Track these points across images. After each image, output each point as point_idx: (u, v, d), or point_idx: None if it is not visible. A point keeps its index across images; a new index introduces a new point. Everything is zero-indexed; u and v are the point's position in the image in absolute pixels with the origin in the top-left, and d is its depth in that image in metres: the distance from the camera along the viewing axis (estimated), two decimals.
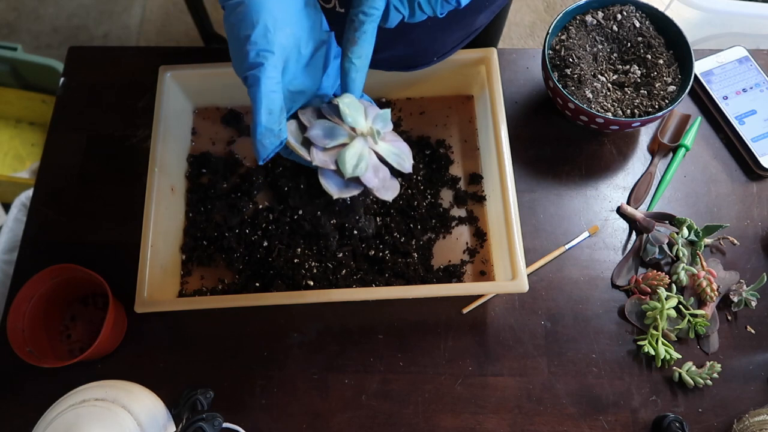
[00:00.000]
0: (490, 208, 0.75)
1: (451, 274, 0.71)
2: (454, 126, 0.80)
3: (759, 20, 1.24)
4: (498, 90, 0.72)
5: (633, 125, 0.73)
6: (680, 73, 0.75)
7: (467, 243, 0.74)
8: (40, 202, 0.78)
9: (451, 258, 0.73)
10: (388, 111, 0.53)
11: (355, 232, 0.72)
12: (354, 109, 0.49)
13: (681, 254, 0.73)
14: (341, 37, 0.49)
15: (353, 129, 0.50)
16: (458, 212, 0.75)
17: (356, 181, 0.50)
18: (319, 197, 0.53)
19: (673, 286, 0.72)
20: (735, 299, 0.71)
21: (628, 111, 0.74)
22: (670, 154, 0.80)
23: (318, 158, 0.48)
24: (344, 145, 0.49)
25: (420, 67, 0.74)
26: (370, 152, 0.50)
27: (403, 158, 0.53)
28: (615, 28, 0.77)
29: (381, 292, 0.66)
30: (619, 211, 0.77)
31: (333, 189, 0.49)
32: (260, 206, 0.75)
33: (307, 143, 0.49)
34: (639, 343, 0.70)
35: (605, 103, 0.74)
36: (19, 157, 1.53)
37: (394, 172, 0.54)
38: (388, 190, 0.52)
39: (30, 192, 1.04)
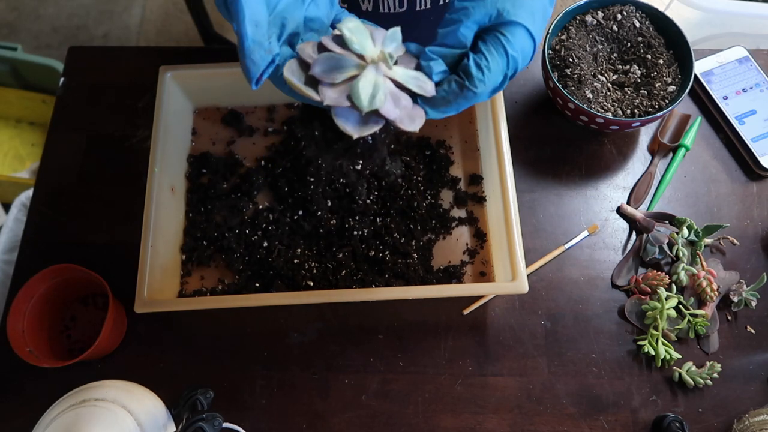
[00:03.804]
0: (490, 208, 0.74)
1: (451, 274, 0.71)
2: (454, 127, 0.80)
3: (759, 20, 1.24)
4: None
5: (633, 125, 0.73)
6: (680, 73, 0.75)
7: (467, 244, 0.74)
8: (40, 202, 0.78)
9: (451, 259, 0.73)
10: (397, 29, 0.47)
11: (380, 180, 0.67)
12: (359, 34, 0.44)
13: (681, 254, 0.73)
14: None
15: (361, 57, 0.44)
16: (458, 213, 0.75)
17: (376, 114, 0.44)
18: (336, 141, 0.47)
19: (673, 286, 0.72)
20: (735, 299, 0.71)
21: (628, 111, 0.74)
22: (670, 154, 0.80)
23: (328, 96, 0.43)
24: (355, 77, 0.43)
25: None
26: (385, 80, 0.45)
27: (423, 80, 0.47)
28: (615, 28, 0.77)
29: (381, 292, 0.66)
30: (619, 211, 0.77)
31: (351, 128, 0.43)
32: (260, 206, 0.75)
33: (313, 82, 0.43)
34: (639, 343, 0.70)
35: (605, 103, 0.74)
36: (19, 157, 1.53)
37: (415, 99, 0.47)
38: (413, 119, 0.46)
39: (30, 192, 1.04)
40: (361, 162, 0.49)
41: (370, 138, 0.48)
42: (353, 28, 0.44)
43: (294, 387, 0.69)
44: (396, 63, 0.46)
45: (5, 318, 0.66)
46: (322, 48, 0.44)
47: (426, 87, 0.46)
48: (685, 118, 0.81)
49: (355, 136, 0.43)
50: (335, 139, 0.47)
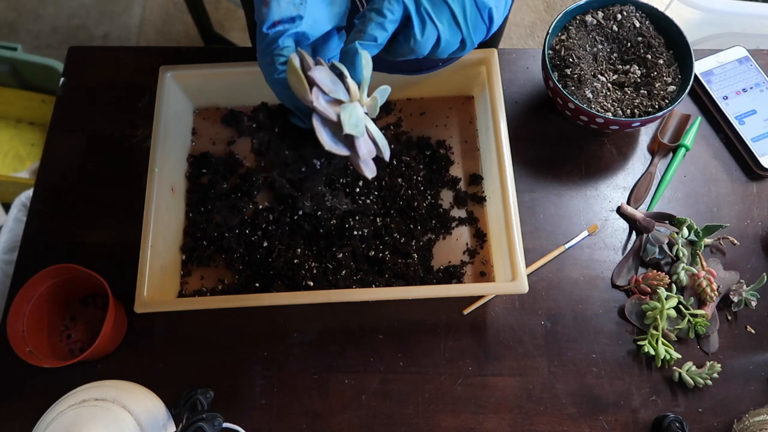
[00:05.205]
0: (490, 208, 0.75)
1: (451, 274, 0.71)
2: (454, 127, 0.80)
3: (759, 20, 1.24)
4: (498, 91, 0.72)
5: (633, 125, 0.73)
6: (680, 73, 0.75)
7: (467, 244, 0.74)
8: (40, 202, 0.78)
9: (451, 259, 0.73)
10: (388, 88, 0.51)
11: (321, 212, 0.71)
12: (369, 69, 0.47)
13: (681, 254, 0.73)
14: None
15: (349, 93, 0.48)
16: (458, 213, 0.75)
17: (348, 141, 0.48)
18: (289, 150, 0.50)
19: (673, 286, 0.72)
20: (735, 299, 0.71)
21: (628, 111, 0.74)
22: (670, 154, 0.80)
23: (321, 103, 0.45)
24: (341, 103, 0.47)
25: (425, 72, 0.74)
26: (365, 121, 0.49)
27: (386, 144, 0.51)
28: (615, 28, 0.77)
29: (381, 292, 0.66)
30: (619, 211, 0.77)
31: (327, 139, 0.47)
32: (260, 206, 0.75)
33: (308, 84, 0.46)
34: (639, 343, 0.70)
35: (605, 103, 0.74)
36: (19, 157, 1.53)
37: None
38: (370, 166, 0.50)
39: (30, 192, 1.04)
40: (300, 180, 0.52)
41: (318, 163, 0.51)
42: (366, 62, 0.47)
43: (294, 387, 0.69)
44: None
45: (5, 318, 0.66)
46: (319, 64, 0.47)
47: (385, 151, 0.51)
48: (685, 118, 0.81)
49: (327, 148, 0.46)
50: (289, 147, 0.50)
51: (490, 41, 0.91)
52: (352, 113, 0.46)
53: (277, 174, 0.55)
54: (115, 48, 0.89)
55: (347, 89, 0.47)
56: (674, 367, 0.69)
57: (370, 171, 0.50)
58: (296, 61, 0.46)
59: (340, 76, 0.47)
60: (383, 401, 0.69)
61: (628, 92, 0.75)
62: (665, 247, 0.73)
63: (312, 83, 0.45)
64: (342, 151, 0.48)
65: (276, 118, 0.51)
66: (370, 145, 0.50)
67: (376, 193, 0.74)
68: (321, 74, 0.46)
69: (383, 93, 0.51)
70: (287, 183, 0.62)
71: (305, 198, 0.64)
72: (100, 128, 0.82)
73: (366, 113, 0.49)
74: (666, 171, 0.79)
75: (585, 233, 0.75)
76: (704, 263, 0.72)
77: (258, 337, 0.71)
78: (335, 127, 0.47)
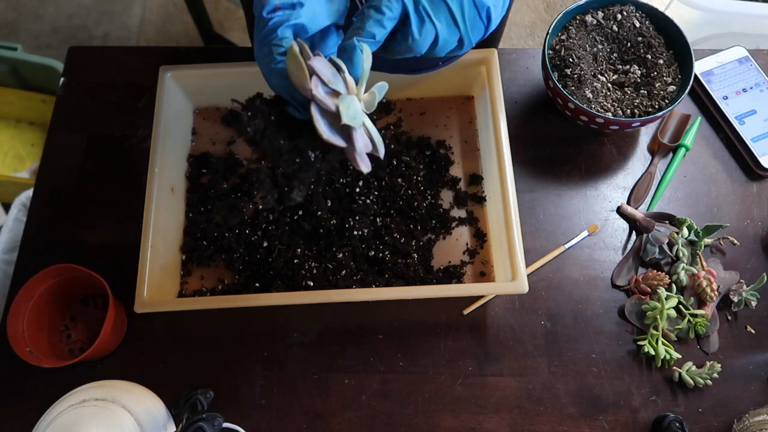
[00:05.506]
0: (490, 209, 0.75)
1: (451, 274, 0.71)
2: (454, 127, 0.80)
3: (759, 20, 1.24)
4: (498, 91, 0.72)
5: (633, 125, 0.73)
6: (680, 73, 0.75)
7: (467, 244, 0.74)
8: (40, 202, 0.78)
9: (451, 259, 0.73)
10: (385, 84, 0.51)
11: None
12: (369, 62, 0.48)
13: (681, 254, 0.73)
14: None
15: (347, 88, 0.48)
16: (458, 213, 0.75)
17: (345, 133, 0.48)
18: (284, 139, 0.50)
19: (673, 286, 0.72)
20: (735, 299, 0.71)
21: (628, 111, 0.74)
22: (670, 154, 0.80)
23: (320, 92, 0.46)
24: (339, 95, 0.47)
25: (425, 71, 0.74)
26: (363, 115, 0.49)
27: (381, 142, 0.52)
28: (615, 28, 0.77)
29: (381, 292, 0.66)
30: (619, 211, 0.77)
31: (324, 129, 0.47)
32: (260, 206, 0.75)
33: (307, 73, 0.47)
34: (639, 343, 0.70)
35: (605, 103, 0.74)
36: (19, 157, 1.53)
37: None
38: (365, 161, 0.50)
39: (30, 192, 1.04)
40: (290, 171, 0.52)
41: (312, 156, 0.51)
42: (366, 56, 0.47)
43: (294, 387, 0.69)
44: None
45: (5, 318, 0.66)
46: (318, 56, 0.47)
47: (379, 149, 0.51)
48: (685, 118, 0.81)
49: (324, 136, 0.46)
50: (285, 137, 0.49)
51: (490, 41, 0.91)
52: (351, 104, 0.47)
53: (267, 165, 0.54)
54: (115, 48, 0.89)
55: (345, 84, 0.47)
56: (674, 367, 0.69)
57: (365, 165, 0.50)
58: (296, 48, 0.46)
59: (338, 70, 0.47)
60: (383, 401, 0.69)
61: (628, 92, 0.75)
62: (665, 247, 0.73)
63: (312, 72, 0.46)
64: (339, 141, 0.48)
65: (272, 107, 0.51)
66: (366, 140, 0.50)
67: (376, 193, 0.74)
68: (320, 64, 0.46)
69: (381, 89, 0.51)
70: (268, 176, 0.61)
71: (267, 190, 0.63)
72: (100, 128, 0.82)
73: (363, 110, 0.49)
74: (666, 171, 0.79)
75: (585, 233, 0.75)
76: (704, 263, 0.72)
77: (258, 337, 0.71)
78: (333, 118, 0.47)
